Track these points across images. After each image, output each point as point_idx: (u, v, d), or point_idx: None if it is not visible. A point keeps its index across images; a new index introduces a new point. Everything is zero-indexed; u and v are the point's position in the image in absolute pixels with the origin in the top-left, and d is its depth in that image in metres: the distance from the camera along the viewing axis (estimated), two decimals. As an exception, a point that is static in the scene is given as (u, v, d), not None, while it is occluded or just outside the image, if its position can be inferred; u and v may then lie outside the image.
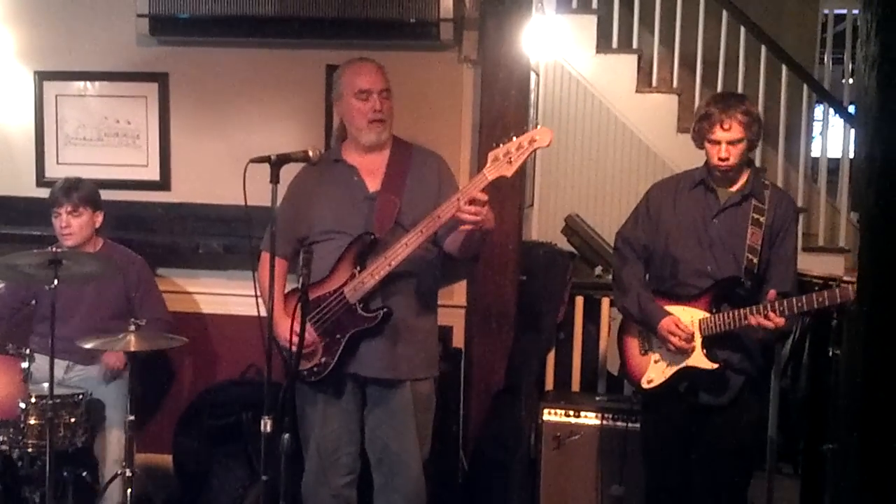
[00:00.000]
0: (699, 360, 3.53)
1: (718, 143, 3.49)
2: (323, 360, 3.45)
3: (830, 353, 3.81)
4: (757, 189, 3.57)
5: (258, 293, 3.23)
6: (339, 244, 3.46)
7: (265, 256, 3.50)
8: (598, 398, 4.46)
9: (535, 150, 3.21)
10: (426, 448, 3.60)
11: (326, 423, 3.53)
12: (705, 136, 3.53)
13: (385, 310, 3.39)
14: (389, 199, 3.48)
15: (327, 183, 3.56)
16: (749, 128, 3.49)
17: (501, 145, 3.21)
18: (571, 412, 4.27)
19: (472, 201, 3.16)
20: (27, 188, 4.73)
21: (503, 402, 4.35)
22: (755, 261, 3.49)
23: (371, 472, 3.60)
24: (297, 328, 3.04)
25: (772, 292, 3.39)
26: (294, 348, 3.08)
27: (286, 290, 3.59)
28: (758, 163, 6.05)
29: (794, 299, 3.38)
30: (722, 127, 3.47)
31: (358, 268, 3.41)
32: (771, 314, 3.37)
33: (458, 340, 4.46)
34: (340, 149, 3.63)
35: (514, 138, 3.21)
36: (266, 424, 3.02)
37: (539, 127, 3.36)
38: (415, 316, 3.50)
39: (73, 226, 4.11)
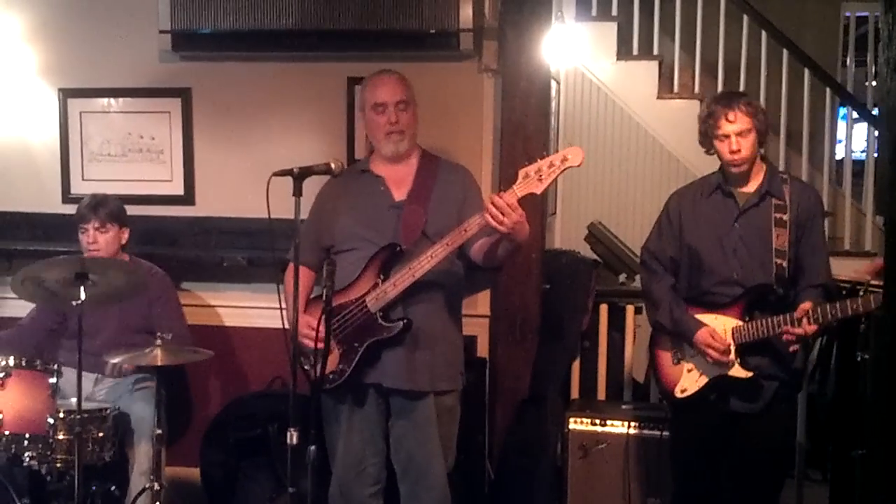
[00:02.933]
0: (734, 369, 3.49)
1: (727, 136, 3.45)
2: (340, 367, 3.45)
3: (858, 358, 3.77)
4: (775, 186, 3.51)
5: (283, 305, 3.25)
6: (364, 253, 3.47)
7: (292, 267, 3.52)
8: (624, 406, 4.43)
9: (566, 170, 3.21)
10: (451, 458, 3.60)
11: (351, 433, 3.54)
12: (713, 134, 3.49)
13: (405, 321, 3.39)
14: (416, 210, 3.49)
15: (354, 193, 3.59)
16: (755, 116, 3.45)
17: (533, 163, 3.21)
18: (597, 421, 4.24)
19: (498, 207, 3.15)
20: (53, 205, 4.77)
21: (528, 411, 4.34)
22: (784, 264, 3.45)
23: (397, 482, 3.60)
24: (321, 330, 3.05)
25: (803, 305, 3.36)
26: (313, 344, 3.11)
27: (311, 297, 3.61)
28: (781, 166, 6.02)
29: (827, 306, 3.34)
30: (727, 119, 3.44)
31: (381, 277, 3.42)
32: (804, 322, 3.34)
33: (483, 350, 4.45)
34: (369, 160, 3.67)
35: (546, 156, 3.21)
36: (292, 436, 3.03)
37: (571, 146, 3.35)
38: (437, 327, 3.50)
39: (99, 241, 4.13)
